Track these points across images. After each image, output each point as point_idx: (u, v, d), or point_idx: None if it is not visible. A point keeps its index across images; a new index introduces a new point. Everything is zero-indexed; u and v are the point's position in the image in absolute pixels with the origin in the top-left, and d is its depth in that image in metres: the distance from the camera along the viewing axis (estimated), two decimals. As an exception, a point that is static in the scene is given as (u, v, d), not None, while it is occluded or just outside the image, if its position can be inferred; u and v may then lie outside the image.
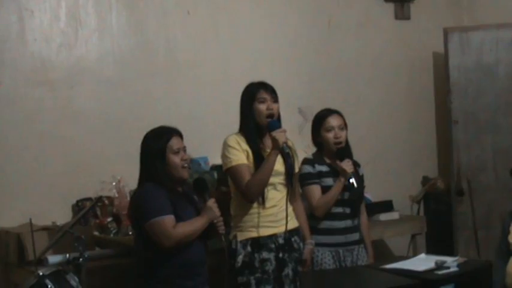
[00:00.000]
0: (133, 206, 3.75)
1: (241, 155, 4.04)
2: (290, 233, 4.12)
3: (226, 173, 4.13)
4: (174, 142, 3.73)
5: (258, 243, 4.03)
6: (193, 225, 3.66)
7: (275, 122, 4.07)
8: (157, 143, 3.72)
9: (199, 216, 3.71)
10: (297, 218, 4.25)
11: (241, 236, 4.04)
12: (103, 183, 4.87)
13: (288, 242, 4.09)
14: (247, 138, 4.09)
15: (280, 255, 4.05)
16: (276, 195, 4.11)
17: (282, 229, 4.07)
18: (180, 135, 3.81)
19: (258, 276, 3.99)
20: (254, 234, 4.04)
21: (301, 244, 4.19)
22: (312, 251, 4.37)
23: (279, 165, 4.10)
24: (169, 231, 3.56)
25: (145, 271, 3.66)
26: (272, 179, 4.06)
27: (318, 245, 4.45)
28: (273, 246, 4.04)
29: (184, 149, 3.78)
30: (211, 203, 3.76)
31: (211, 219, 3.73)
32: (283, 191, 4.15)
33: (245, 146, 4.06)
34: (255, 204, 4.05)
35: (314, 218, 4.49)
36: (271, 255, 4.03)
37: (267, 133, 4.08)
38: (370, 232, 4.88)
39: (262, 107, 4.09)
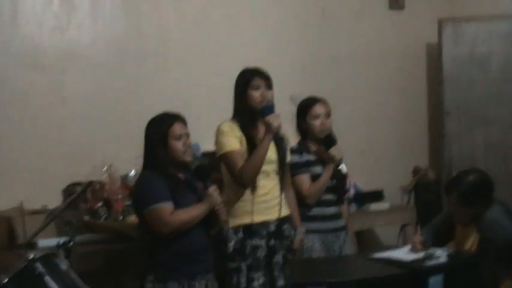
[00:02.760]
0: (135, 193, 3.78)
1: (234, 141, 4.03)
2: (281, 221, 4.12)
3: (219, 159, 4.12)
4: (177, 128, 3.73)
5: (250, 230, 4.02)
6: (192, 212, 3.66)
7: (270, 106, 4.06)
8: (159, 129, 3.72)
9: (199, 204, 3.71)
10: (289, 206, 4.25)
11: (233, 222, 4.03)
12: (94, 168, 4.85)
13: (279, 229, 4.10)
14: (241, 124, 4.07)
15: (272, 242, 4.05)
16: (269, 183, 4.11)
17: (273, 216, 4.07)
18: (183, 121, 3.80)
19: (249, 262, 3.99)
20: (246, 221, 4.04)
21: (292, 232, 4.19)
22: (302, 240, 4.37)
23: (272, 153, 4.09)
24: (166, 218, 3.57)
25: (148, 256, 3.67)
26: (265, 167, 4.05)
27: (307, 231, 4.46)
28: (264, 232, 4.04)
29: (187, 135, 3.78)
30: (213, 189, 3.75)
31: (212, 206, 3.73)
32: (276, 179, 4.14)
33: (238, 133, 4.05)
34: (248, 191, 4.05)
35: (304, 205, 4.50)
36: (263, 242, 4.02)
37: (261, 120, 4.07)
38: (357, 221, 4.90)
39: (256, 93, 4.07)
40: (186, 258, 3.66)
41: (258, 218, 4.04)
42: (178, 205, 3.64)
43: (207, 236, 3.79)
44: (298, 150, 4.55)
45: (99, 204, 4.82)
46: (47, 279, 3.34)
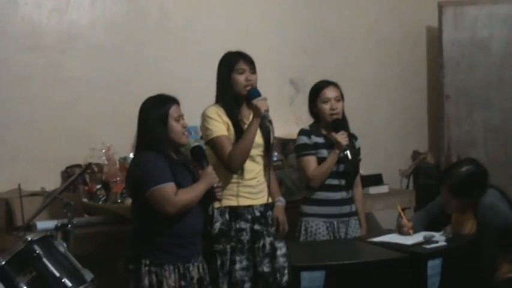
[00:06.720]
0: (133, 175, 3.74)
1: (221, 126, 4.02)
2: (266, 208, 4.12)
3: (206, 144, 4.11)
4: (175, 109, 3.75)
5: (236, 213, 4.03)
6: (194, 192, 3.68)
7: (255, 90, 4.05)
8: (160, 110, 3.73)
9: (199, 182, 3.73)
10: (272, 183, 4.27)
11: (219, 204, 4.03)
12: (93, 150, 4.85)
13: (263, 215, 4.10)
14: (227, 109, 4.06)
15: (256, 227, 4.04)
16: (255, 167, 4.11)
17: (259, 202, 4.10)
18: (178, 103, 3.81)
19: (233, 245, 3.99)
20: (232, 203, 4.04)
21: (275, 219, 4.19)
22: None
23: (258, 137, 4.09)
24: (172, 198, 3.58)
25: (142, 239, 3.66)
26: (251, 151, 4.05)
27: (312, 215, 4.48)
28: (249, 217, 4.05)
29: (183, 116, 3.79)
30: (210, 169, 3.77)
31: (211, 185, 3.75)
32: (261, 163, 4.15)
33: (225, 118, 4.04)
34: (235, 175, 4.05)
35: (309, 188, 4.50)
36: (247, 226, 4.03)
37: (245, 104, 4.07)
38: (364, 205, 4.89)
39: (241, 77, 4.06)
40: (182, 241, 3.66)
41: (243, 202, 4.05)
42: (178, 185, 3.65)
43: (203, 216, 3.80)
44: (308, 132, 4.57)
45: (98, 186, 4.82)
46: (45, 261, 3.34)
